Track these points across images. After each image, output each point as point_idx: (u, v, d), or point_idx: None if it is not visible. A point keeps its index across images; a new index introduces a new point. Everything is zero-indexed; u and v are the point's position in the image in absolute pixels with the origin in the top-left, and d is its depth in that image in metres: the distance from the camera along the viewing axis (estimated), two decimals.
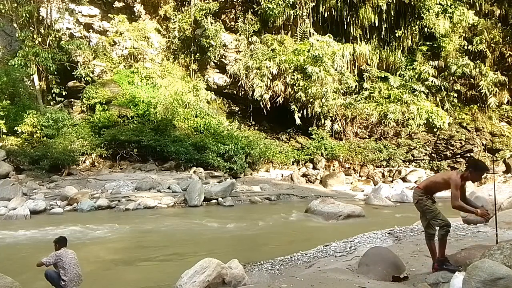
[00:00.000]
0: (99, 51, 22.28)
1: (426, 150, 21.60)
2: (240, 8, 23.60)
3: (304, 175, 19.85)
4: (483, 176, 5.10)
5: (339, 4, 22.33)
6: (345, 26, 22.68)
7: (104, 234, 10.35)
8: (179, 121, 21.00)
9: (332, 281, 4.83)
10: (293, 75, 21.78)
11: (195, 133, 20.81)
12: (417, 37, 22.58)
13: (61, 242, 5.96)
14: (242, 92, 22.84)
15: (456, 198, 4.92)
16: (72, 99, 21.81)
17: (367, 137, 22.35)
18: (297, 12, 22.46)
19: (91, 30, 23.15)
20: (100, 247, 9.21)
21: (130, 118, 20.49)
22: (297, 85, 21.69)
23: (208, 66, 23.58)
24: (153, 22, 23.87)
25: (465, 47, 21.82)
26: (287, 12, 22.26)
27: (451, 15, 21.66)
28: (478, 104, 22.26)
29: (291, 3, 22.09)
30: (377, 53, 22.86)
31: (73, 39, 21.82)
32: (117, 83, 21.57)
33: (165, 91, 21.42)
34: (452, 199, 4.96)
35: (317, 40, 21.90)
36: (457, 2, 22.09)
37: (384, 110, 21.37)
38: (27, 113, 18.95)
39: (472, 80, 21.89)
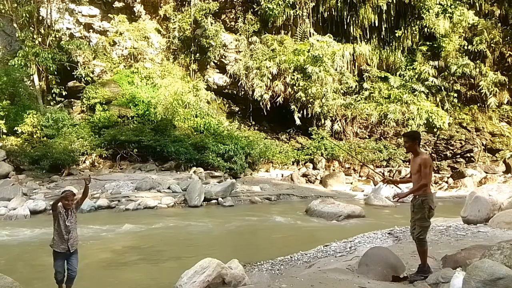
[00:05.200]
0: (99, 51, 22.25)
1: (426, 150, 21.57)
2: (240, 8, 23.60)
3: (304, 175, 19.84)
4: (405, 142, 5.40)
5: (339, 4, 22.34)
6: (345, 26, 22.68)
7: (104, 234, 10.34)
8: (179, 121, 21.00)
9: (332, 281, 4.83)
10: (293, 75, 21.78)
11: (195, 133, 20.80)
12: (417, 37, 22.58)
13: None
14: (242, 92, 22.83)
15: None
16: (72, 99, 21.78)
17: (367, 137, 22.35)
18: (297, 12, 22.46)
19: (91, 30, 23.14)
20: (100, 247, 9.20)
21: (130, 118, 20.48)
22: (297, 85, 21.69)
23: (208, 66, 23.57)
24: (153, 22, 23.87)
25: (465, 47, 21.82)
26: (287, 12, 22.26)
27: (451, 15, 21.67)
28: (478, 104, 22.27)
29: (291, 3, 22.08)
30: (377, 53, 22.86)
31: (73, 39, 21.79)
32: (117, 83, 21.56)
33: (165, 91, 21.41)
34: None
35: (317, 40, 21.89)
36: (457, 2, 22.10)
37: (384, 110, 21.37)
38: (27, 113, 18.92)
39: (472, 80, 21.90)
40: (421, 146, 5.57)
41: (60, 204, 5.46)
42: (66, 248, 5.43)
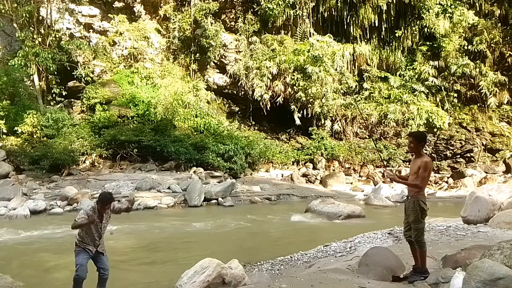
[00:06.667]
0: (99, 51, 22.25)
1: (426, 150, 21.58)
2: (240, 8, 23.60)
3: (304, 175, 19.84)
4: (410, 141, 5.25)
5: (339, 4, 22.34)
6: (345, 26, 22.69)
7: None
8: (179, 121, 21.00)
9: (332, 281, 4.83)
10: (293, 75, 21.78)
11: (195, 133, 20.81)
12: (417, 37, 22.59)
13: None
14: (242, 92, 22.83)
15: None
16: (72, 99, 21.78)
17: (367, 137, 22.35)
18: (297, 12, 22.46)
19: (91, 30, 23.14)
20: None
21: (130, 118, 20.48)
22: (297, 85, 21.69)
23: (208, 66, 23.58)
24: (153, 22, 23.87)
25: (465, 47, 21.82)
26: (287, 12, 22.26)
27: (451, 15, 21.67)
28: (478, 104, 22.27)
29: (291, 3, 22.08)
30: (377, 53, 22.86)
31: (73, 39, 21.80)
32: (117, 83, 21.56)
33: (165, 91, 21.42)
34: None
35: (317, 40, 21.89)
36: (457, 2, 22.10)
37: (384, 110, 21.37)
38: (27, 113, 18.92)
39: (472, 80, 21.90)
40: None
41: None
42: (94, 250, 5.49)
